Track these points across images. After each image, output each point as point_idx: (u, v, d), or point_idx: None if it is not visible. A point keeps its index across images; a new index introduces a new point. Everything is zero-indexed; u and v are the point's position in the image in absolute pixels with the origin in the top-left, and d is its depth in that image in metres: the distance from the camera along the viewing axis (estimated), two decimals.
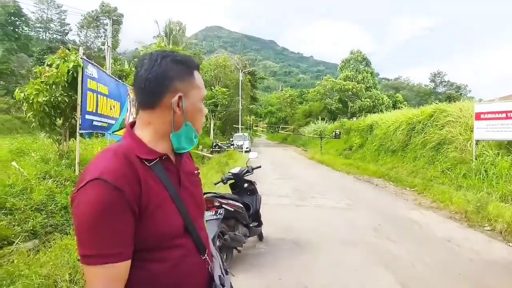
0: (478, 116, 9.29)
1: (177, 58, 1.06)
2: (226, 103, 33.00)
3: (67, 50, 6.86)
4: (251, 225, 4.72)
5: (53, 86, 6.39)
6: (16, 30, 44.23)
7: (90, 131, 6.95)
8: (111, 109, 7.69)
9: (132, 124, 1.13)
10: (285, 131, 37.42)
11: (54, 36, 60.27)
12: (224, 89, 32.37)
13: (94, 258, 0.90)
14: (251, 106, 49.60)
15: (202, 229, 1.18)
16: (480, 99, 14.63)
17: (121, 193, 0.91)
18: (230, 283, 1.27)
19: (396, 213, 7.20)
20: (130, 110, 10.46)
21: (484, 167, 8.62)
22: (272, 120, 56.21)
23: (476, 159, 9.12)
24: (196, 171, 1.26)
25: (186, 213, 1.07)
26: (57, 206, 5.03)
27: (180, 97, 1.04)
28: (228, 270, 1.31)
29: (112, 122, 8.22)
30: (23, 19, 45.69)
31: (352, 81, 44.09)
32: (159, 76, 1.03)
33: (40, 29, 60.83)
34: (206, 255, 1.12)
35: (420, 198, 8.76)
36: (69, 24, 61.15)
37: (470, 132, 9.96)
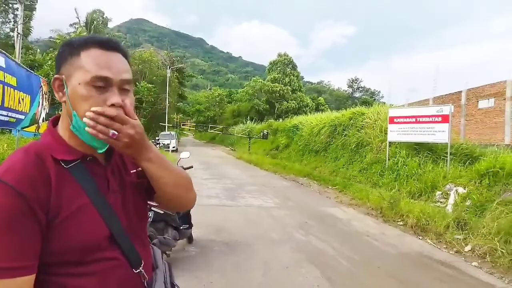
0: (391, 120, 10.18)
1: (68, 41, 0.95)
2: (152, 100, 31.74)
3: None
4: (181, 227, 4.56)
5: None
6: None
7: None
8: (19, 102, 6.90)
9: (55, 120, 0.99)
10: (215, 130, 37.21)
11: None
12: (149, 85, 31.09)
13: None
14: (178, 104, 48.34)
15: (140, 239, 1.02)
16: (391, 104, 16.07)
17: (23, 198, 0.79)
18: None
19: (321, 211, 7.57)
20: (43, 104, 9.47)
21: (397, 166, 9.47)
22: (200, 119, 55.53)
23: (389, 159, 9.99)
24: (135, 170, 1.06)
25: (114, 222, 0.93)
26: None
27: (57, 80, 0.93)
28: (176, 284, 1.16)
29: (21, 117, 7.37)
30: None
31: (279, 83, 45.50)
32: (55, 64, 0.96)
33: None
34: (141, 268, 0.97)
35: (341, 196, 9.34)
36: None
37: (384, 135, 10.88)
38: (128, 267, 0.95)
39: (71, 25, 37.52)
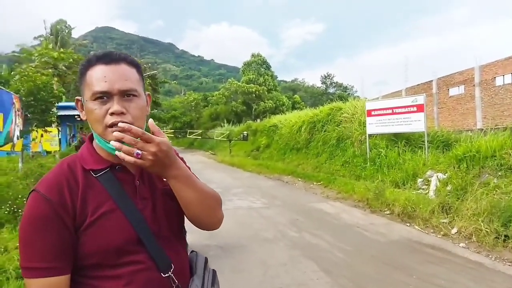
0: (369, 113, 10.43)
1: (81, 62, 1.04)
2: None
3: None
4: None
5: None
6: None
7: None
8: None
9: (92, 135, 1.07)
10: (194, 136, 36.89)
11: None
12: None
13: (27, 270, 0.88)
14: (153, 112, 47.71)
15: (171, 244, 1.04)
16: (365, 97, 16.43)
17: (49, 203, 0.89)
18: None
19: (309, 207, 7.70)
20: (16, 122, 9.16)
21: (378, 158, 9.72)
22: (176, 125, 54.89)
23: (370, 151, 10.24)
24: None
25: (142, 226, 0.96)
26: None
27: (78, 101, 1.04)
28: None
29: None
30: None
31: (255, 84, 45.64)
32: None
33: None
34: (170, 272, 0.99)
35: (327, 191, 9.50)
36: None
37: (363, 128, 11.14)
38: (156, 270, 0.98)
39: (35, 37, 36.34)
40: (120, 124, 0.89)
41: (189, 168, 1.08)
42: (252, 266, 4.35)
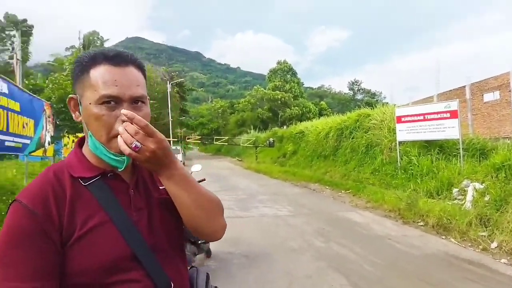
0: (399, 120, 10.08)
1: (79, 58, 0.92)
2: (155, 116, 31.88)
3: None
4: (199, 241, 4.48)
5: None
6: None
7: (2, 152, 6.14)
8: (23, 127, 6.94)
9: (82, 140, 0.98)
10: (220, 142, 37.21)
11: None
12: (151, 101, 31.19)
13: None
14: (181, 118, 48.52)
15: (170, 260, 0.94)
16: (394, 104, 15.97)
17: (34, 216, 0.79)
18: None
19: (337, 216, 7.45)
20: (46, 128, 9.49)
21: (410, 166, 9.34)
22: (204, 132, 55.65)
23: (401, 158, 9.87)
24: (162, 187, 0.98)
25: (138, 241, 0.87)
26: None
27: (72, 100, 0.94)
28: None
29: (27, 141, 7.40)
30: None
31: (280, 91, 45.60)
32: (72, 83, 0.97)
33: None
34: None
35: (355, 199, 9.21)
36: None
37: (393, 134, 10.77)
38: None
39: (67, 48, 37.95)
40: (123, 111, 0.81)
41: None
42: (277, 277, 4.20)
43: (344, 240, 5.66)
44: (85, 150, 0.94)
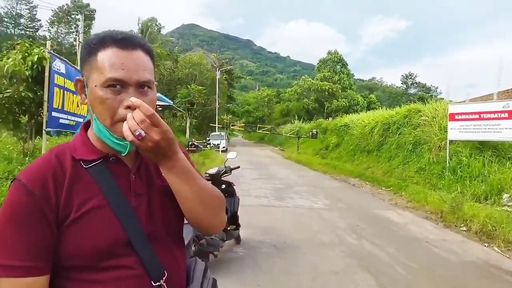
0: (452, 117, 9.46)
1: (87, 40, 0.91)
2: (203, 101, 32.58)
3: (26, 44, 6.44)
4: (228, 228, 4.54)
5: (15, 81, 5.99)
6: None
7: (58, 129, 6.56)
8: (78, 106, 7.32)
9: (88, 123, 0.97)
10: (263, 131, 37.33)
11: (24, 31, 57.84)
12: (200, 87, 31.96)
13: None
14: (228, 105, 49.23)
15: (167, 248, 0.93)
16: (450, 100, 14.98)
17: (32, 196, 0.79)
18: None
19: (374, 214, 7.21)
20: None
21: (460, 167, 8.77)
22: (249, 120, 56.13)
23: (450, 159, 9.28)
24: None
25: (134, 227, 0.86)
26: None
27: (78, 82, 0.93)
28: None
29: (80, 120, 7.84)
30: None
31: (329, 82, 44.60)
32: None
33: (10, 24, 58.23)
34: (162, 281, 0.87)
35: (396, 198, 8.84)
36: (40, 20, 58.83)
37: (444, 133, 10.15)
38: (146, 278, 0.86)
39: None
40: (132, 99, 0.80)
41: (192, 165, 0.96)
42: (302, 270, 4.15)
43: (378, 239, 5.45)
44: (90, 133, 0.94)
